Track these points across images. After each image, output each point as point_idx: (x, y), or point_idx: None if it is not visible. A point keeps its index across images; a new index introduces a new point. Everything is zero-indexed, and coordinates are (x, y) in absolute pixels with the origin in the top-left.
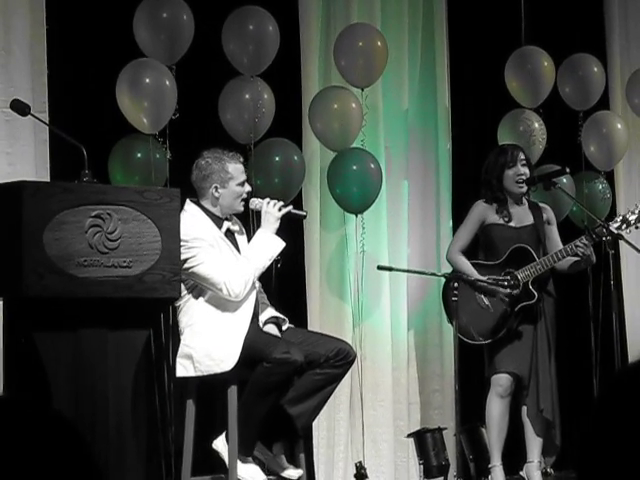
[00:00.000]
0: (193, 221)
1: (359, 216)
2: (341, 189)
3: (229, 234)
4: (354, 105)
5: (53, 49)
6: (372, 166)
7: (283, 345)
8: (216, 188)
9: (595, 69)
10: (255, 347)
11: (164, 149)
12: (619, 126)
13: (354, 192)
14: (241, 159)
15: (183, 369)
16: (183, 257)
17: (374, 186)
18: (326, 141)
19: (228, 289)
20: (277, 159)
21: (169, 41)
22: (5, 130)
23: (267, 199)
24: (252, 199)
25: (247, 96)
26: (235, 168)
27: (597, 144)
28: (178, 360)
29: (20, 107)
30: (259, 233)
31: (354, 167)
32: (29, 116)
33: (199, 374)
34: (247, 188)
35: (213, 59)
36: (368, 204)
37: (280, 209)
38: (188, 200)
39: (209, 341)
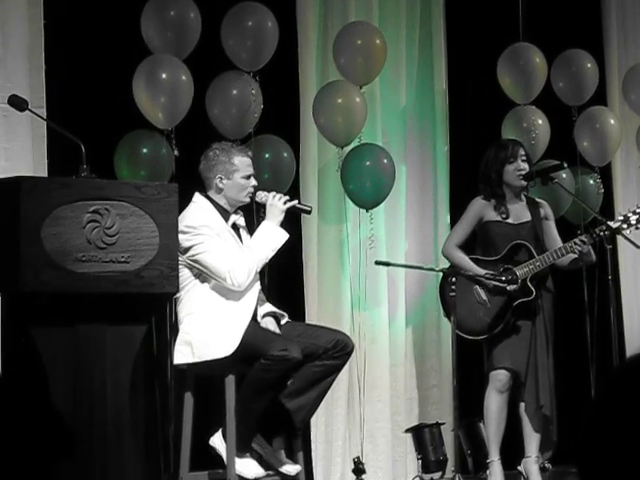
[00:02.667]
0: (201, 211)
1: (369, 211)
2: (354, 185)
3: (235, 228)
4: (358, 99)
5: (51, 44)
6: (385, 162)
7: (281, 342)
8: (220, 179)
9: (588, 65)
10: (253, 343)
11: (171, 145)
12: (612, 122)
13: (367, 187)
14: (249, 153)
15: (182, 356)
16: (189, 244)
17: (387, 181)
18: (330, 136)
19: (232, 278)
20: (267, 156)
21: (176, 38)
22: (3, 126)
23: (273, 192)
24: (258, 192)
25: (234, 91)
26: (241, 161)
27: (590, 139)
28: (176, 348)
29: (18, 102)
30: (264, 224)
31: (367, 163)
32: (27, 112)
33: (197, 360)
34: (252, 182)
35: (220, 56)
36: (380, 200)
37: (285, 203)
38: (197, 193)
39: (209, 328)
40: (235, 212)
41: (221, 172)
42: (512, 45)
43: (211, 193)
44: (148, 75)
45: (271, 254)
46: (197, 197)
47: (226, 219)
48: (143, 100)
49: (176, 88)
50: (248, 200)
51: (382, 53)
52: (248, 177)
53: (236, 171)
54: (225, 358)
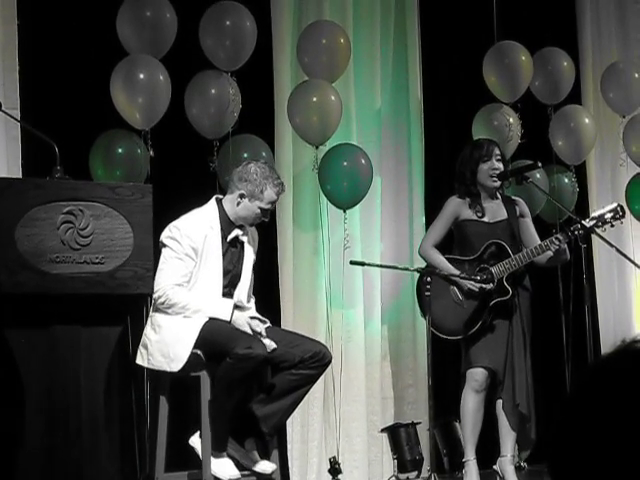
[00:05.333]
0: (197, 220)
1: (346, 212)
2: (332, 185)
3: (236, 241)
4: (333, 98)
5: (24, 45)
6: (362, 162)
7: (246, 340)
8: (242, 195)
9: (565, 63)
10: (219, 342)
11: (147, 145)
12: (587, 120)
13: (344, 188)
14: (283, 192)
15: (140, 358)
16: (163, 240)
17: (364, 181)
18: (305, 135)
19: (157, 292)
20: (245, 155)
21: (153, 38)
22: None
23: (257, 323)
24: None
25: (213, 91)
26: (270, 196)
27: (565, 138)
28: (139, 347)
29: None
30: (228, 303)
31: (344, 163)
32: (0, 112)
33: (151, 367)
34: (264, 218)
35: (196, 55)
36: (358, 200)
37: (251, 325)
38: (214, 199)
39: (163, 337)
40: (239, 227)
41: (248, 191)
42: (498, 43)
43: (228, 198)
44: (126, 75)
45: (200, 313)
46: (211, 203)
47: (228, 231)
48: (121, 100)
49: (154, 88)
50: (250, 225)
51: (346, 52)
52: (264, 211)
53: (259, 200)
54: (172, 372)
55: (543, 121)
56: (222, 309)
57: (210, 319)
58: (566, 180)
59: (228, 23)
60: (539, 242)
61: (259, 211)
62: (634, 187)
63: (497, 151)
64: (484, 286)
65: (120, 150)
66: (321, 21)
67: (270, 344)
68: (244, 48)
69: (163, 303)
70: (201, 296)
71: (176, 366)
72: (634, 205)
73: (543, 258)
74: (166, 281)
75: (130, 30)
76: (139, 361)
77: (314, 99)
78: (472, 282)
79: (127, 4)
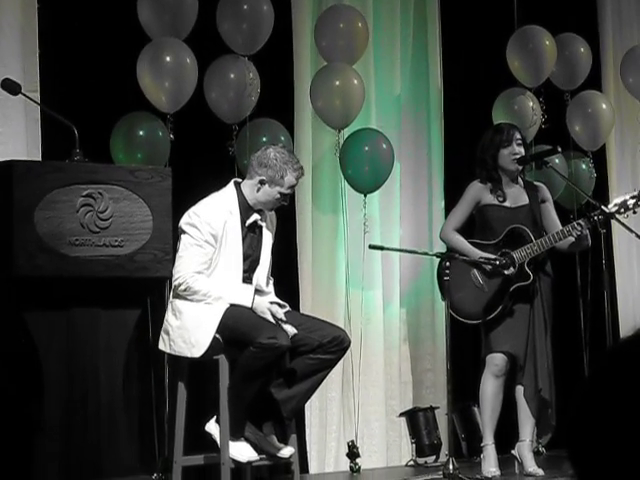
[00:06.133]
0: (216, 206)
1: (366, 196)
2: (353, 169)
3: (255, 226)
4: (356, 82)
5: (45, 28)
6: (384, 146)
7: (270, 329)
8: (262, 182)
9: (582, 49)
10: (242, 330)
11: (168, 128)
12: (604, 106)
13: (366, 172)
14: (302, 176)
15: (162, 343)
16: (182, 227)
17: (386, 166)
18: (327, 119)
19: (177, 279)
20: (264, 139)
21: (173, 22)
22: None
23: (277, 308)
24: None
25: (232, 75)
26: (290, 181)
27: (582, 124)
28: (161, 333)
29: (11, 86)
30: (249, 289)
31: (366, 148)
32: (20, 95)
33: (173, 352)
34: (284, 202)
35: (215, 40)
36: (379, 184)
37: (272, 311)
38: (232, 183)
39: (184, 323)
40: (258, 211)
41: (268, 177)
42: (522, 28)
43: (247, 183)
44: (152, 58)
45: (221, 300)
46: (230, 187)
47: (246, 216)
48: (147, 84)
49: (181, 71)
50: (269, 210)
51: (364, 36)
52: (283, 196)
53: (280, 185)
54: (193, 357)
55: (561, 107)
56: (243, 295)
57: (231, 305)
58: (583, 166)
59: (245, 7)
60: (561, 228)
61: (279, 196)
62: None
63: (518, 135)
64: (506, 271)
65: (141, 133)
66: (339, 5)
67: (291, 330)
68: (261, 32)
69: (184, 290)
70: (222, 282)
71: (197, 352)
72: None
73: (564, 244)
74: (186, 269)
75: (151, 13)
76: (161, 347)
77: (337, 83)
78: (492, 266)
79: None
